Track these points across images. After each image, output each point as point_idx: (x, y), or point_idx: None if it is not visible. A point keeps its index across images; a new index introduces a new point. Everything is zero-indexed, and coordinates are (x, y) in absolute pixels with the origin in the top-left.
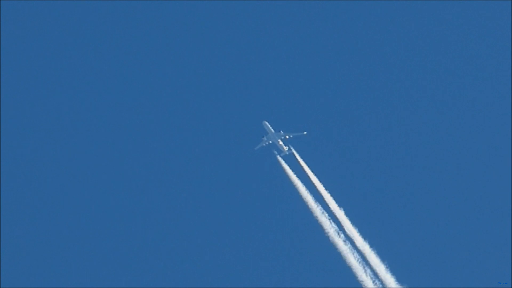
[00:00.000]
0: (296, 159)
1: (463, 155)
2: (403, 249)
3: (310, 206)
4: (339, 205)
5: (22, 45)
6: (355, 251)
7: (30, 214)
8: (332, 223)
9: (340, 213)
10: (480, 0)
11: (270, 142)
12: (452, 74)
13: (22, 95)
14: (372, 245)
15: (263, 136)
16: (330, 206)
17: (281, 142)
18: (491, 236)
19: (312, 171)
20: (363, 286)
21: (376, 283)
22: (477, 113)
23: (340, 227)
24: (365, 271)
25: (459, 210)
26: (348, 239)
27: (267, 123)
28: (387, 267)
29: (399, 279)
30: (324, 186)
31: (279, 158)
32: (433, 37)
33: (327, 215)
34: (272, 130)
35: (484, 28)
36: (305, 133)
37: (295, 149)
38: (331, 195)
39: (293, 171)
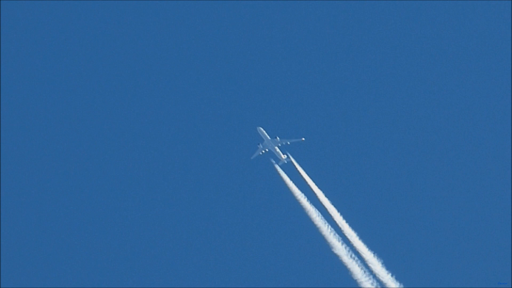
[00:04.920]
0: (295, 168)
1: (462, 154)
2: (404, 254)
3: (311, 217)
4: (341, 214)
5: (22, 45)
6: (359, 260)
7: (30, 214)
8: (335, 232)
9: (342, 222)
10: (480, 0)
11: (267, 150)
12: (451, 74)
13: (22, 95)
14: (375, 253)
15: (258, 144)
16: (332, 215)
17: (278, 150)
18: (491, 236)
19: (312, 180)
20: None
21: None
22: (476, 113)
23: (343, 237)
24: (369, 280)
25: (460, 210)
26: (352, 248)
27: (262, 129)
28: (389, 274)
29: (400, 281)
30: (325, 195)
31: (277, 167)
32: (433, 37)
33: (329, 225)
34: (268, 136)
35: (484, 28)
36: (303, 139)
37: (294, 157)
38: (333, 204)
39: (292, 180)
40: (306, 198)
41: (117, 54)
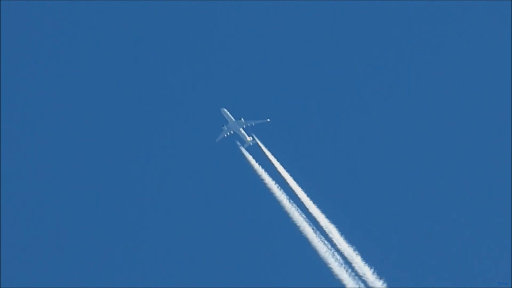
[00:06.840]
0: (261, 150)
1: (439, 139)
2: (381, 241)
3: (278, 199)
4: (308, 195)
5: (22, 45)
6: (326, 240)
7: (30, 214)
8: (302, 213)
9: (309, 203)
10: (480, 0)
11: (232, 132)
12: (450, 74)
13: (22, 95)
14: (343, 233)
15: (223, 126)
16: (298, 196)
17: (243, 131)
18: (491, 236)
19: (278, 162)
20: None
21: (350, 273)
22: (474, 113)
23: (311, 218)
24: (337, 260)
25: (459, 208)
26: (319, 229)
27: (226, 110)
28: (361, 257)
29: (386, 276)
30: (292, 176)
31: (243, 150)
32: (431, 37)
33: (296, 206)
34: (232, 118)
35: (484, 28)
36: (268, 120)
37: (259, 139)
38: (300, 186)
39: (258, 162)
40: (272, 180)
41: (117, 53)
